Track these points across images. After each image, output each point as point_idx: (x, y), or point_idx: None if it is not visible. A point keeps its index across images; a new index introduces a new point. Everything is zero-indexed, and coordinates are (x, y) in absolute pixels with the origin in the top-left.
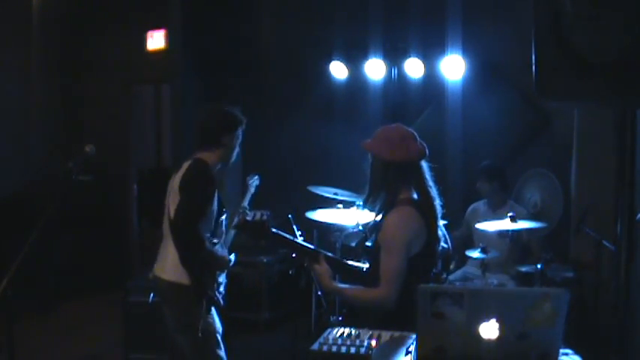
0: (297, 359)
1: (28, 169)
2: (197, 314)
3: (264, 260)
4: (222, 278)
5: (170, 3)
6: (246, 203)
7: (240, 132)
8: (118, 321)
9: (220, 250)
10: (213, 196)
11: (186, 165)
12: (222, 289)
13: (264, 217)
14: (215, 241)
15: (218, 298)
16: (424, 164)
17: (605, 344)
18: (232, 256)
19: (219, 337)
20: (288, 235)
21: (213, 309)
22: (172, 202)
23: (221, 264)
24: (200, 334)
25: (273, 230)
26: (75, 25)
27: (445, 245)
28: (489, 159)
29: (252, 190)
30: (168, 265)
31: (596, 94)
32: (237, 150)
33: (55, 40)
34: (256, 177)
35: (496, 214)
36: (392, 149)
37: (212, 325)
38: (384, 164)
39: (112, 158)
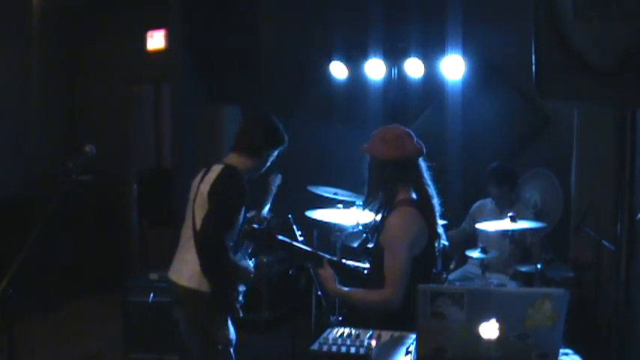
0: (297, 359)
1: (28, 169)
2: (214, 323)
3: (264, 260)
4: (242, 287)
5: (170, 3)
6: (266, 210)
7: (279, 149)
8: (118, 321)
9: (243, 260)
10: (243, 206)
11: (217, 170)
12: (241, 297)
13: (271, 225)
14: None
15: (237, 309)
16: (422, 163)
17: (605, 344)
18: (251, 263)
19: (232, 350)
20: (293, 242)
21: (229, 320)
22: (199, 208)
23: (244, 275)
24: (219, 346)
25: (279, 237)
26: (75, 25)
27: (445, 243)
28: (489, 161)
29: (274, 190)
30: (187, 272)
31: (596, 95)
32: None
33: (55, 40)
34: (279, 176)
35: (502, 215)
36: (387, 148)
37: (228, 337)
38: (380, 164)
39: (112, 158)
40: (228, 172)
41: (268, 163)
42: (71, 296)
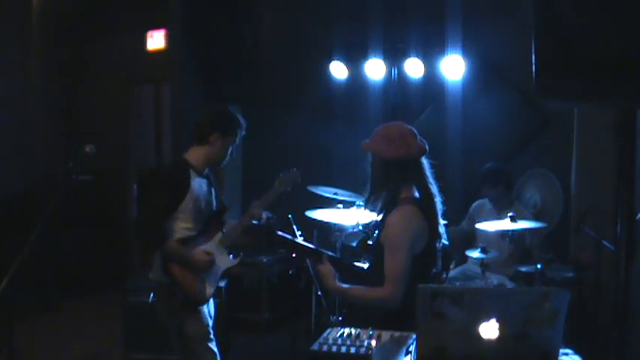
0: (297, 359)
1: (28, 169)
2: (180, 316)
3: (264, 260)
4: (211, 278)
5: (170, 3)
6: (262, 204)
7: (235, 135)
8: (118, 321)
9: (215, 248)
10: (182, 194)
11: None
12: (207, 288)
13: (270, 221)
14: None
15: (201, 298)
16: (424, 161)
17: (605, 344)
18: (231, 256)
19: (211, 345)
20: (292, 238)
21: (204, 308)
22: None
23: (195, 265)
24: (188, 334)
25: (278, 233)
26: (75, 25)
27: (446, 242)
28: (489, 160)
29: (277, 187)
30: (155, 265)
31: (596, 94)
32: (229, 153)
33: (55, 40)
34: (296, 172)
35: (501, 215)
36: (392, 147)
37: (199, 330)
38: (384, 162)
39: (112, 158)
40: (172, 163)
41: (227, 152)
42: (71, 296)
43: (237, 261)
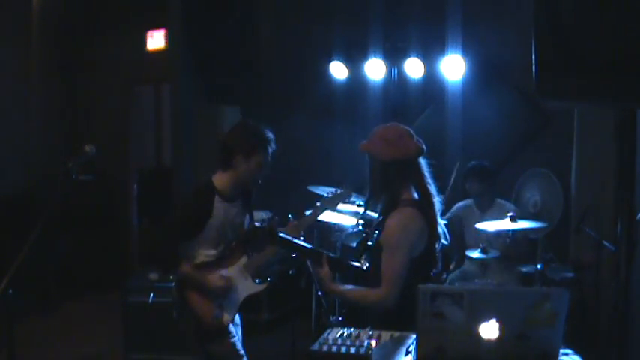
0: (297, 359)
1: (28, 169)
2: (200, 334)
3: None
4: (230, 304)
5: (170, 3)
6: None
7: (261, 153)
8: (118, 321)
9: (238, 273)
10: (202, 222)
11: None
12: (224, 315)
13: (272, 222)
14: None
15: (211, 325)
16: (422, 161)
17: (605, 344)
18: (257, 281)
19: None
20: (293, 239)
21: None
22: None
23: (209, 290)
24: (216, 356)
25: (280, 235)
26: (75, 25)
27: (445, 242)
28: (491, 159)
29: (322, 210)
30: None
31: (596, 95)
32: (258, 172)
33: (55, 40)
34: (342, 191)
35: (486, 215)
36: (390, 148)
37: (223, 346)
38: (383, 164)
39: (112, 158)
40: (198, 187)
41: (255, 172)
42: (71, 296)
43: (263, 286)
